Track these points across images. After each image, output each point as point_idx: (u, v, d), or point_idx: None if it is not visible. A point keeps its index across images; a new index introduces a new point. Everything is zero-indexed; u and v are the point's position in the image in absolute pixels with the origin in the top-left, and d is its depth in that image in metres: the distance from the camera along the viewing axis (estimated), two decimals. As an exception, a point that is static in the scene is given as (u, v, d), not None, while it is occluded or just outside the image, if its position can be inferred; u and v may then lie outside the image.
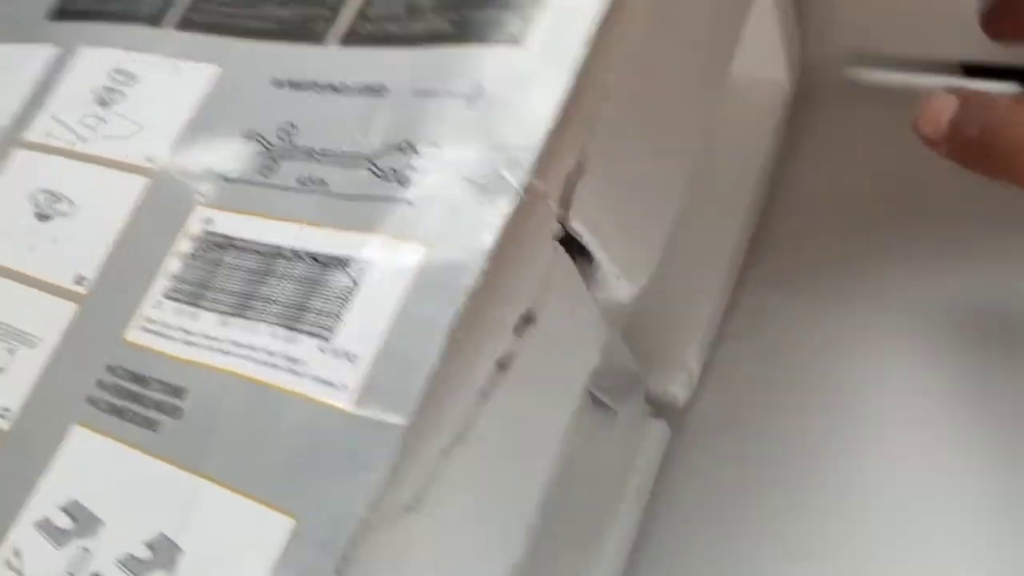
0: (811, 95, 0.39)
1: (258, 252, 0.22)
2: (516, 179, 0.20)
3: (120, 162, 0.26)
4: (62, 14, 0.31)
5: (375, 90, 0.23)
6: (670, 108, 0.27)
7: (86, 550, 0.21)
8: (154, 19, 0.28)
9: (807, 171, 0.38)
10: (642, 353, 0.32)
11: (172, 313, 0.23)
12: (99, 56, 0.29)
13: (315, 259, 0.22)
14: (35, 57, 0.30)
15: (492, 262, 0.20)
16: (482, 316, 0.20)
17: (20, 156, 0.28)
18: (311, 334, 0.21)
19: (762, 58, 0.36)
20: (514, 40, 0.22)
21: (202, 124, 0.25)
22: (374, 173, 0.22)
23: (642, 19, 0.23)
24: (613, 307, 0.26)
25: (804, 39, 0.38)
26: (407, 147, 0.22)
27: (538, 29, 0.22)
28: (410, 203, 0.21)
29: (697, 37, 0.29)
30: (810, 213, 0.37)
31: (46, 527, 0.22)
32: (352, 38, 0.25)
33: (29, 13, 0.32)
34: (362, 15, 0.25)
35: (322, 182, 0.23)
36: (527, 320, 0.23)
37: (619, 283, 0.26)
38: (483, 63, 0.22)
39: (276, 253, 0.22)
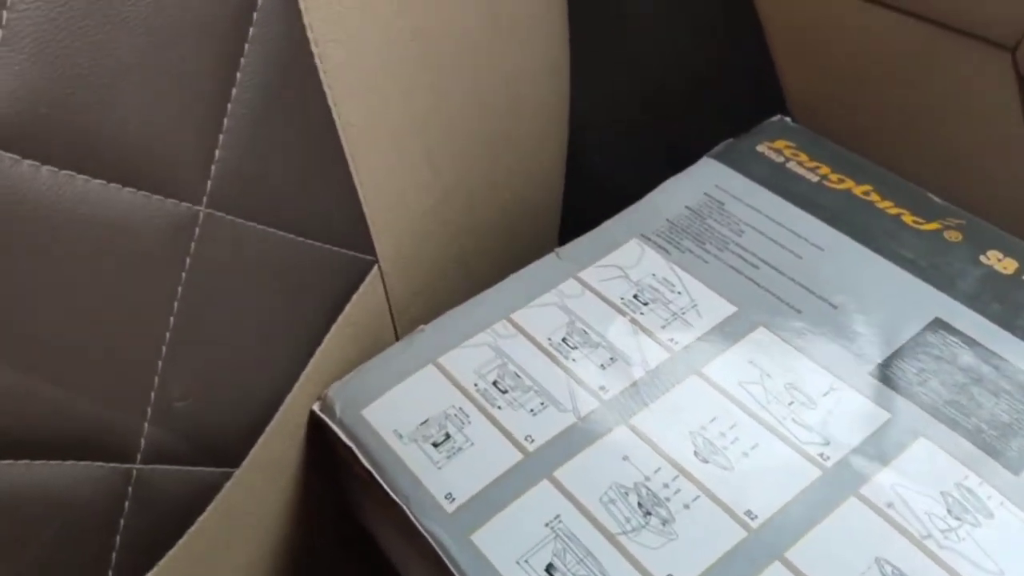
0: None
1: None
2: None
3: (975, 592, 0.31)
4: (890, 383, 0.36)
5: None
6: None
7: None
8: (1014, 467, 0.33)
9: None
10: None
11: None
12: (946, 469, 0.34)
13: None
14: (869, 413, 0.36)
15: None
16: None
17: (857, 508, 0.33)
18: None
19: None
20: None
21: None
22: None
23: None
24: None
25: None
26: None
27: None
28: None
29: None
30: None
31: None
32: None
33: (856, 359, 0.37)
34: None
35: None
36: None
37: None
38: None
39: None
